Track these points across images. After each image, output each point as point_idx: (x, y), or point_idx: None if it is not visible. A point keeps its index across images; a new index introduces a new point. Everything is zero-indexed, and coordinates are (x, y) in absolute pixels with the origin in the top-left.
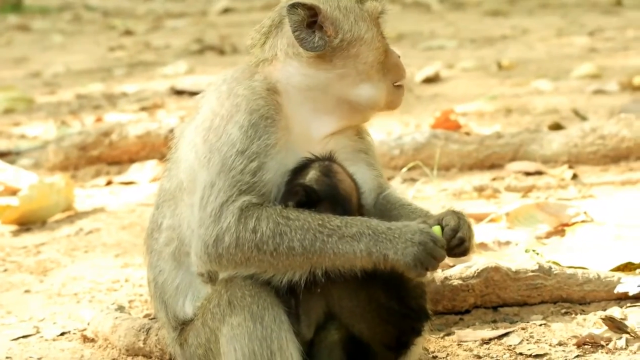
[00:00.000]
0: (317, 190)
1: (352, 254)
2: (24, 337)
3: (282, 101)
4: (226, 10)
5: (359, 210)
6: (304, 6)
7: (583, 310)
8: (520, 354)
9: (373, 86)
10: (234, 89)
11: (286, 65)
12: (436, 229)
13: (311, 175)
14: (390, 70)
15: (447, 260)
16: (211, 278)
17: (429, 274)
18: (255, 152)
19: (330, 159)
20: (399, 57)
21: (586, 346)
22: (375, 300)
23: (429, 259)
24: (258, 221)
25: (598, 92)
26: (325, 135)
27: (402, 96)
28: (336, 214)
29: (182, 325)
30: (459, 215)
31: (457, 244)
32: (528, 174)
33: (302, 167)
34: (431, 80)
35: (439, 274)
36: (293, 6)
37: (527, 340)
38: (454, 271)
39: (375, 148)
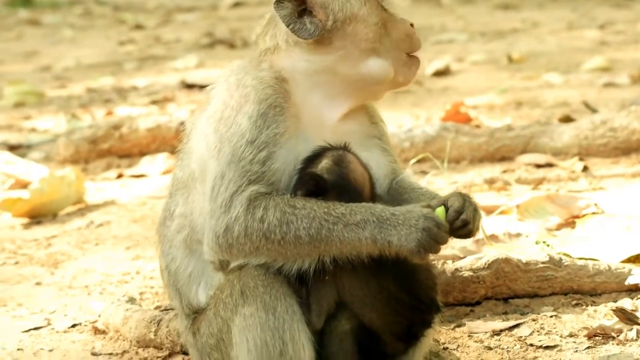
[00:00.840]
0: (328, 179)
1: (357, 241)
2: (35, 329)
3: (290, 89)
4: (237, 4)
5: (372, 200)
6: None
7: (594, 302)
8: (531, 345)
9: (381, 59)
10: (242, 79)
11: (289, 53)
12: (440, 211)
13: (323, 164)
14: (401, 41)
15: (458, 252)
16: (222, 267)
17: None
18: (265, 141)
19: (344, 148)
20: (412, 25)
21: (597, 337)
22: (385, 290)
23: (433, 243)
24: (265, 210)
25: (609, 85)
26: (337, 119)
27: (416, 68)
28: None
29: (195, 314)
30: (464, 197)
31: (461, 225)
32: (538, 166)
33: (315, 156)
34: (441, 73)
35: (449, 266)
36: (279, 1)
37: (537, 331)
38: (464, 263)
39: (389, 134)
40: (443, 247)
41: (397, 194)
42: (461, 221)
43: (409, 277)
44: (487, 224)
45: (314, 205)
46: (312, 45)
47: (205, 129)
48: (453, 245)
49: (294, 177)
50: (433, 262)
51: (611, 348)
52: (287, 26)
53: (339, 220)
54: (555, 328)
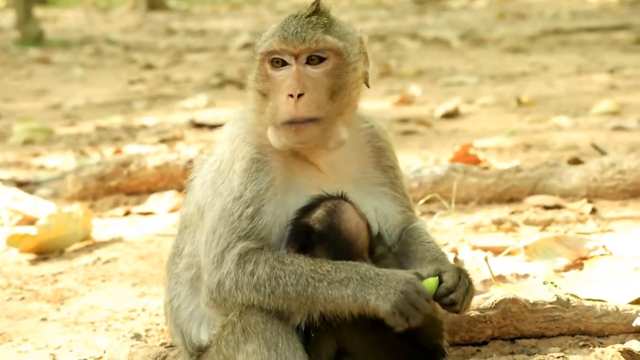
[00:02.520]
0: (318, 230)
1: (340, 298)
2: None
3: None
4: (246, 45)
5: (370, 249)
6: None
7: (601, 343)
8: None
9: (271, 131)
10: (233, 132)
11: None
12: (432, 281)
13: (316, 215)
14: (274, 111)
15: None
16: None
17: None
18: (250, 197)
19: (341, 197)
20: (291, 96)
21: None
22: (386, 341)
23: (410, 308)
24: (256, 265)
25: (617, 128)
26: (326, 169)
27: (290, 134)
28: (338, 255)
29: (199, 352)
30: (460, 274)
31: (448, 303)
32: (547, 207)
33: (311, 206)
34: (451, 115)
35: None
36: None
37: None
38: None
39: (403, 178)
40: (421, 316)
41: (406, 245)
42: (449, 300)
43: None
44: (494, 265)
45: (301, 261)
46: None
47: (205, 175)
48: None
49: (287, 228)
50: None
51: None
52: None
53: (324, 277)
54: None
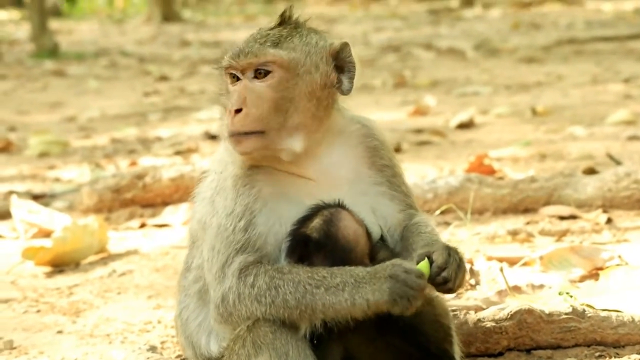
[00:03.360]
0: (316, 239)
1: (339, 304)
2: None
3: None
4: None
5: (371, 254)
6: None
7: (617, 354)
8: None
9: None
10: (221, 151)
11: None
12: (422, 265)
13: (313, 224)
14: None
15: (480, 303)
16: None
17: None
18: (241, 211)
19: (338, 205)
20: (232, 111)
21: None
22: (393, 346)
23: (405, 289)
24: (255, 277)
25: (633, 138)
26: (313, 175)
27: (234, 144)
28: (337, 263)
29: None
30: (449, 252)
31: (441, 282)
32: (562, 218)
33: (309, 216)
34: (465, 125)
35: (471, 316)
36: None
37: None
38: (486, 313)
39: (403, 176)
40: (420, 293)
41: (405, 240)
42: (442, 278)
43: (415, 331)
44: (510, 275)
45: (299, 270)
46: None
47: (205, 192)
48: (476, 297)
49: (286, 239)
50: (454, 313)
51: None
52: None
53: (320, 283)
54: None
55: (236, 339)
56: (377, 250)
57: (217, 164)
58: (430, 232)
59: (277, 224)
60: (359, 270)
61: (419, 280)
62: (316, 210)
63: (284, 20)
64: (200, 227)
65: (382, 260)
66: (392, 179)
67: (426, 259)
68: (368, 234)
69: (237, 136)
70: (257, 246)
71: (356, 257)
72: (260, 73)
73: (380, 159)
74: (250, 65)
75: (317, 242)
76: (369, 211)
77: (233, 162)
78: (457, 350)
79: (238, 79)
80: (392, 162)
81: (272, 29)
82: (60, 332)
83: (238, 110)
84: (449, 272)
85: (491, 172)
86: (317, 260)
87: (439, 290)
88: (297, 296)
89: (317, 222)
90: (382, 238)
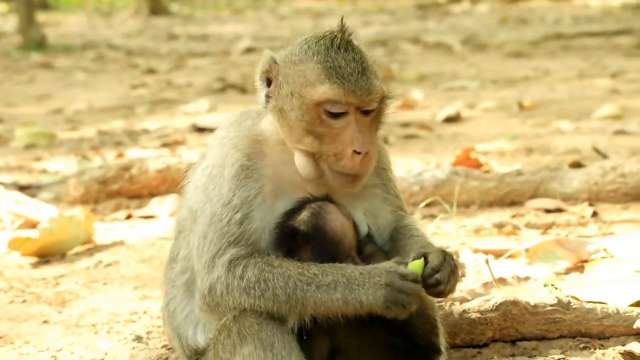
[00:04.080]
0: (303, 231)
1: (330, 302)
2: None
3: (266, 149)
4: (249, 50)
5: (358, 248)
6: (266, 60)
7: (602, 345)
8: None
9: (305, 159)
10: (225, 137)
11: (267, 114)
12: (417, 264)
13: (301, 217)
14: (328, 157)
15: (466, 295)
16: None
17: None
18: (239, 203)
19: (325, 198)
20: (358, 152)
21: None
22: (380, 339)
23: (400, 296)
24: (245, 268)
25: (619, 132)
26: (315, 180)
27: (346, 184)
28: (324, 256)
29: (197, 356)
30: (445, 256)
31: (434, 284)
32: (548, 211)
33: (295, 209)
34: (452, 119)
35: (457, 307)
36: (264, 54)
37: None
38: (472, 304)
39: (395, 180)
40: (415, 298)
41: (396, 241)
42: (434, 280)
43: (402, 324)
44: (495, 267)
45: (289, 264)
46: (272, 114)
47: (198, 180)
48: (461, 289)
49: (273, 231)
50: (439, 304)
51: None
52: (257, 80)
53: (312, 280)
54: None
55: (222, 329)
56: (363, 244)
57: (216, 150)
58: (422, 236)
59: (272, 221)
60: (351, 270)
61: (414, 286)
62: (304, 203)
63: (351, 42)
64: (191, 215)
65: (369, 255)
66: (387, 182)
67: (422, 258)
68: (355, 228)
69: (354, 178)
70: (251, 240)
71: (344, 250)
72: (370, 111)
73: (379, 163)
74: (369, 103)
75: (305, 235)
76: (360, 210)
77: (239, 150)
78: (443, 342)
79: (341, 114)
80: (388, 167)
81: (349, 52)
82: (46, 322)
83: (359, 152)
84: (442, 274)
85: (477, 165)
86: (304, 253)
87: (429, 293)
88: (288, 291)
89: (304, 214)
90: (368, 235)
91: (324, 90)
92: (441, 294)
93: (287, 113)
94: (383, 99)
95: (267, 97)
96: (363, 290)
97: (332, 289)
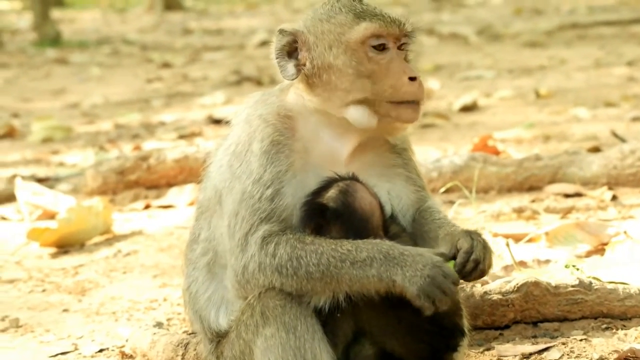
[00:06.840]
0: (333, 208)
1: (365, 278)
2: (62, 353)
3: (297, 125)
4: (263, 43)
5: (384, 227)
6: (286, 32)
7: (624, 326)
8: None
9: (361, 108)
10: (251, 115)
11: (294, 89)
12: (451, 263)
13: (329, 194)
14: (385, 92)
15: (487, 278)
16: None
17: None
18: (269, 179)
19: (352, 177)
20: (414, 78)
21: None
22: (405, 319)
23: (437, 292)
24: (277, 246)
25: (637, 119)
26: (348, 153)
27: (410, 115)
28: (352, 233)
29: (219, 338)
30: (472, 236)
31: (473, 267)
32: (567, 195)
33: (323, 187)
34: (469, 108)
35: (478, 289)
36: (279, 32)
37: (567, 355)
38: (493, 286)
39: (416, 160)
40: (449, 300)
41: (419, 225)
42: (472, 262)
43: None
44: (515, 251)
45: (322, 241)
46: (303, 85)
47: (221, 159)
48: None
49: (301, 209)
50: (461, 286)
51: None
52: (275, 59)
53: (346, 257)
54: (585, 352)
55: (245, 308)
56: (389, 224)
57: (241, 127)
58: (443, 218)
59: (303, 197)
60: (388, 247)
61: (452, 288)
62: (331, 182)
63: None
64: (215, 194)
65: (395, 235)
66: (408, 162)
67: (453, 261)
68: (381, 207)
69: (416, 105)
70: (282, 217)
71: (372, 228)
72: (402, 45)
73: (401, 142)
74: (403, 35)
75: (334, 211)
76: (384, 191)
77: (270, 125)
78: (465, 324)
79: (384, 48)
80: (409, 147)
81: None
82: (66, 310)
83: (412, 78)
84: (477, 253)
85: (495, 153)
86: (333, 229)
87: (471, 279)
88: (321, 268)
89: (333, 192)
90: (392, 215)
91: (366, 26)
92: (483, 274)
93: (329, 69)
94: (412, 33)
95: (297, 66)
96: (401, 271)
97: (367, 265)
